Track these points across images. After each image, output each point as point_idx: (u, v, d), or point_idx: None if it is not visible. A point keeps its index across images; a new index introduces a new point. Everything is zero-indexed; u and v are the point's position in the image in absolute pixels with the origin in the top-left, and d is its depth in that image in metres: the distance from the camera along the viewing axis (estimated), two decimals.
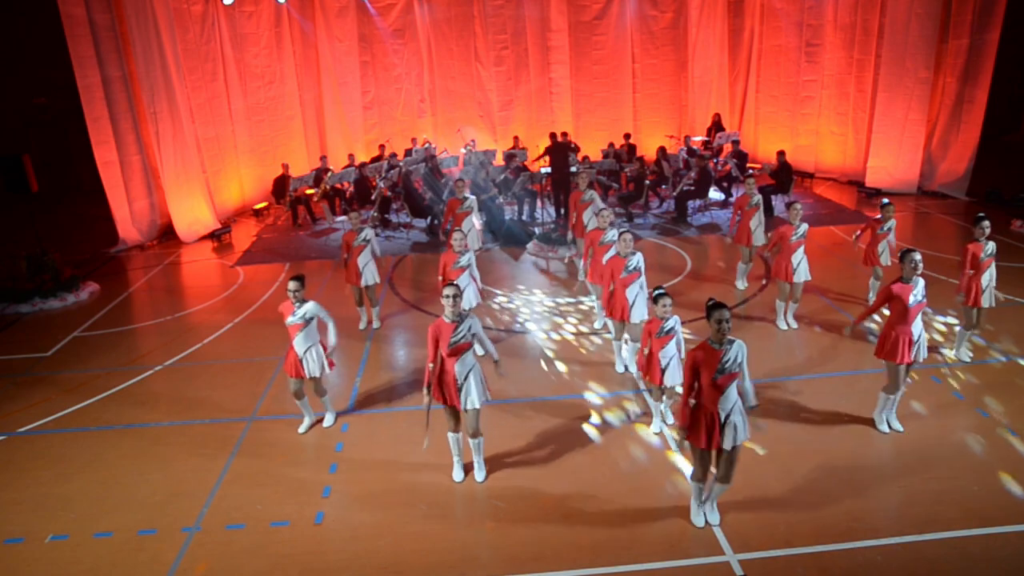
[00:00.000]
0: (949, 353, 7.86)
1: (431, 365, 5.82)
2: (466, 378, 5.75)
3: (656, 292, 6.21)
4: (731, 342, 5.00)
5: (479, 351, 6.14)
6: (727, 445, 5.04)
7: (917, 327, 6.21)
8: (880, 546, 5.14)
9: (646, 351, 6.35)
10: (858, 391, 7.21)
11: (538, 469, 6.26)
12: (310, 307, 6.63)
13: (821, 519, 5.44)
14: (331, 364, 6.92)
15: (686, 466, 6.15)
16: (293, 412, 7.31)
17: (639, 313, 7.36)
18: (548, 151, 14.40)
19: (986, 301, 7.49)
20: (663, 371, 6.31)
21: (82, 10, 12.49)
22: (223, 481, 6.30)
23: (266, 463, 6.55)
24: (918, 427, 6.54)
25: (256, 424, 7.25)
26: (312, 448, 6.79)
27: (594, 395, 7.49)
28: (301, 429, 7.02)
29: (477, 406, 5.84)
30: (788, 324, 8.81)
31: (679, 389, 6.99)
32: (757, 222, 9.64)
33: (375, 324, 9.52)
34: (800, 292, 8.67)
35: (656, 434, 6.67)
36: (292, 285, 6.57)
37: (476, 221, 10.58)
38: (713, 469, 5.31)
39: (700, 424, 5.10)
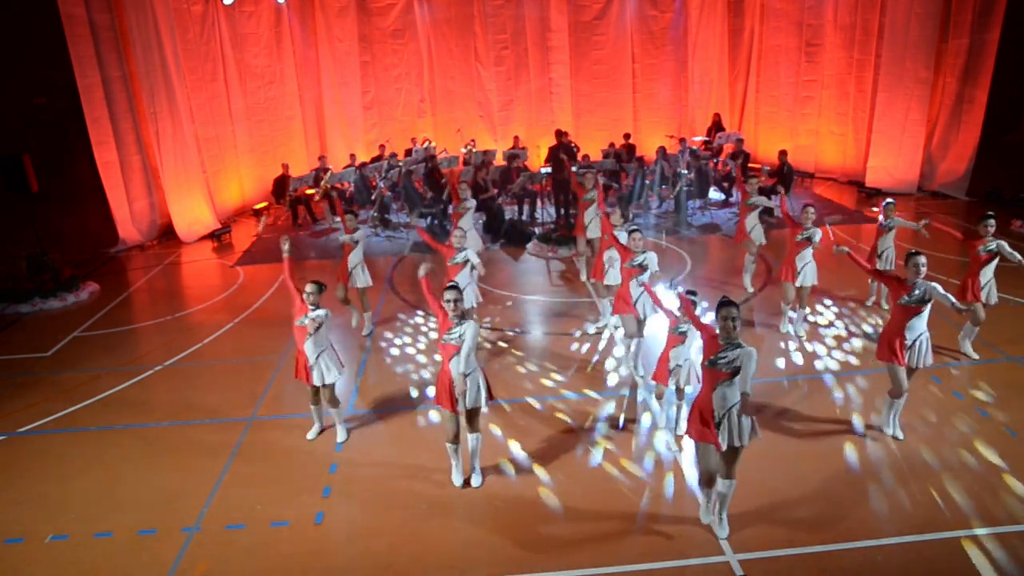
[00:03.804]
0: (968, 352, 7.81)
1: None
2: (464, 382, 5.67)
3: (686, 294, 6.08)
4: (736, 345, 4.82)
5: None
6: (724, 444, 4.95)
7: (913, 331, 6.08)
8: (880, 546, 5.14)
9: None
10: (859, 392, 7.22)
11: (538, 469, 6.25)
12: (319, 314, 6.39)
13: (821, 519, 5.44)
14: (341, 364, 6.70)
15: (687, 468, 6.16)
16: (292, 413, 7.31)
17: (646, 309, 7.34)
18: (551, 151, 14.39)
19: (988, 298, 7.48)
20: (670, 372, 6.29)
21: (82, 10, 12.49)
22: (223, 481, 6.29)
23: (266, 463, 6.55)
24: (918, 427, 6.54)
25: (256, 424, 7.24)
26: (312, 448, 6.78)
27: (594, 395, 7.49)
28: (309, 435, 6.92)
29: (470, 406, 5.75)
30: (796, 332, 8.54)
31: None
32: (753, 222, 9.66)
33: (367, 329, 9.38)
34: (807, 296, 8.45)
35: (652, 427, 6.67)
36: (309, 288, 6.34)
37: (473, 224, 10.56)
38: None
39: (696, 413, 5.07)
